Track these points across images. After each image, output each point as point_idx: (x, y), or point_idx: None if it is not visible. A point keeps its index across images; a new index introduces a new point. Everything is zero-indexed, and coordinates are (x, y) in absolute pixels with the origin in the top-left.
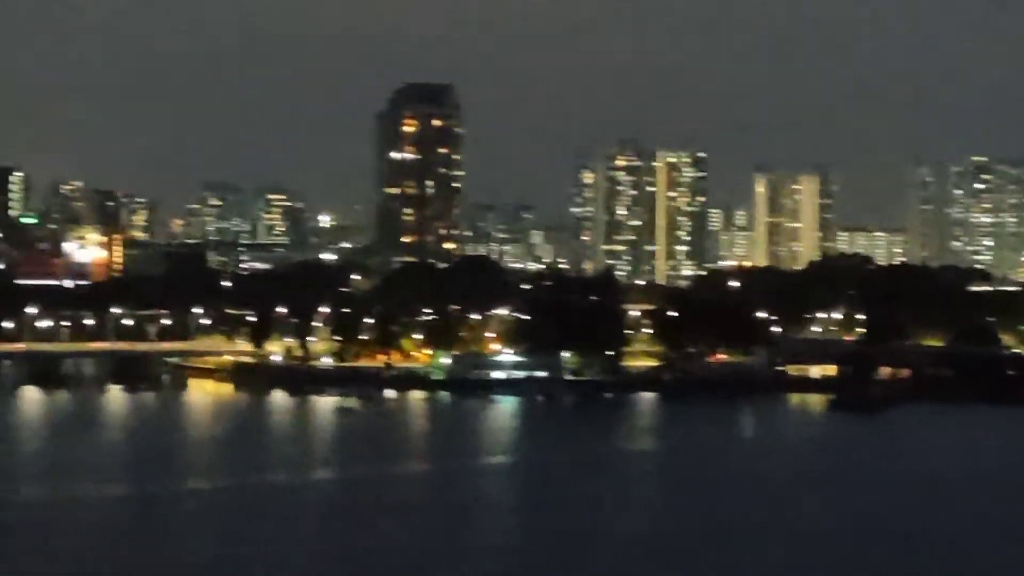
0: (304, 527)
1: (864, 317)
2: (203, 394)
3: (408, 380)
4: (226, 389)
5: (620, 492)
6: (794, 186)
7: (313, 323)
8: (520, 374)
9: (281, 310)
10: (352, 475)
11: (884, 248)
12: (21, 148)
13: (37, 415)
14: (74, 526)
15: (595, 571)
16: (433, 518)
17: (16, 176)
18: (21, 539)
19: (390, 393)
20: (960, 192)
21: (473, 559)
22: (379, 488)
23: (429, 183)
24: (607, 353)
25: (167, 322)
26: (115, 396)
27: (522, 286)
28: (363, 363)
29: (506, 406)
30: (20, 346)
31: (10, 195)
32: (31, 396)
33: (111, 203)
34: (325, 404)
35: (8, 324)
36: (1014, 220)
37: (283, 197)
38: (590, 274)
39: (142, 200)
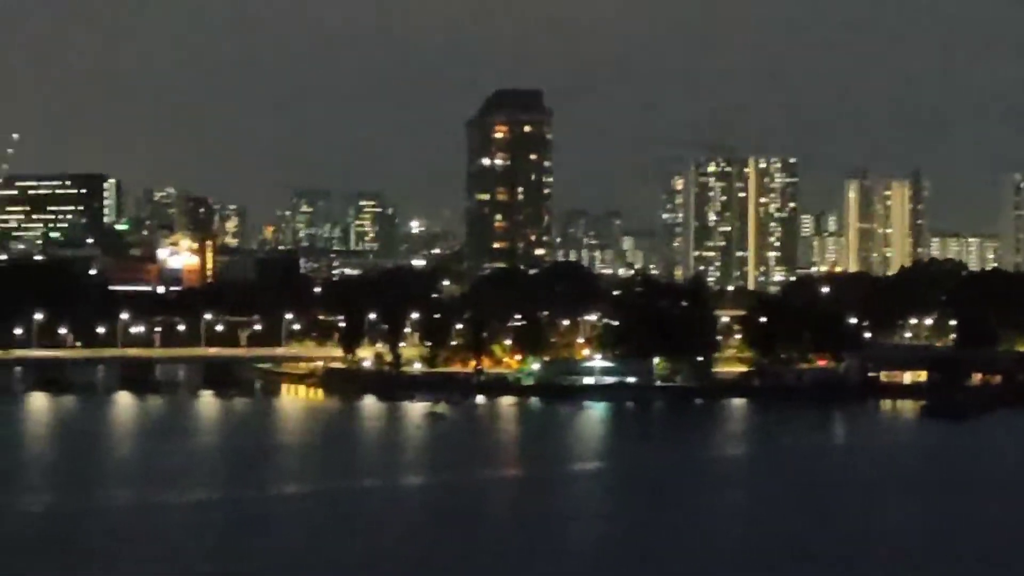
0: (394, 533)
1: (956, 323)
2: (294, 400)
3: (498, 386)
4: (317, 395)
5: (710, 498)
6: (886, 192)
7: (403, 329)
8: (610, 380)
9: (371, 316)
10: (442, 481)
11: (976, 254)
12: (114, 155)
13: (130, 420)
14: (165, 531)
15: None
16: (523, 524)
17: (109, 183)
18: (112, 544)
19: (480, 399)
20: None
21: (562, 566)
22: (469, 494)
23: (519, 189)
24: (697, 359)
25: (258, 328)
26: (207, 401)
27: (612, 292)
28: (453, 369)
29: (596, 412)
30: (114, 351)
31: (104, 202)
32: (124, 401)
33: (203, 209)
34: (415, 410)
35: (102, 330)
36: None
37: (374, 203)
38: (680, 280)
39: (234, 206)
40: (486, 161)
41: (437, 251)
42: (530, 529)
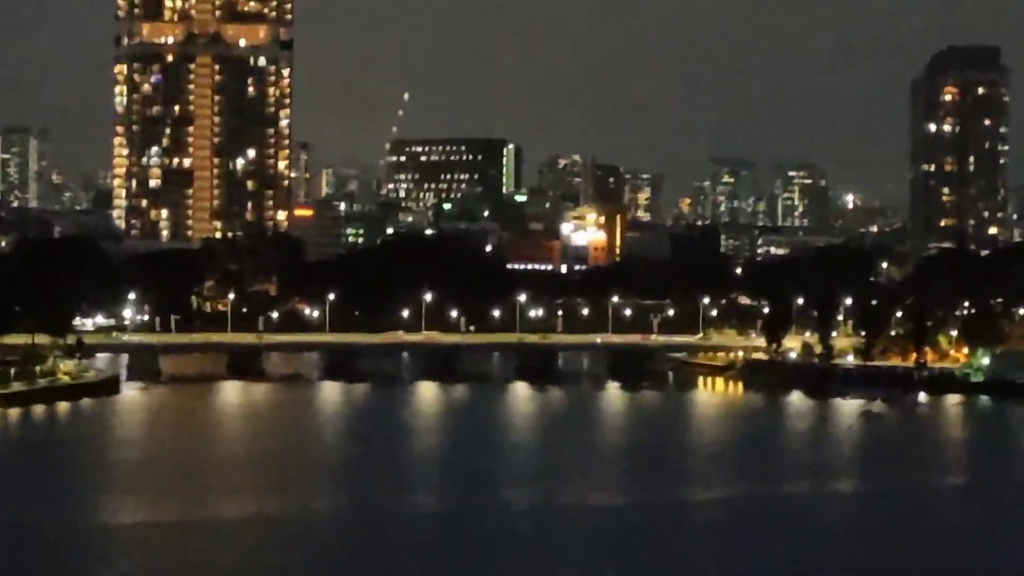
0: (821, 544)
1: None
2: (711, 394)
3: (942, 382)
4: (736, 389)
5: None
6: None
7: (836, 316)
8: None
9: (799, 301)
10: (877, 488)
11: None
12: (514, 118)
13: (530, 413)
14: (568, 535)
15: None
16: (969, 539)
17: (508, 149)
18: (509, 550)
19: (922, 396)
20: None
21: None
22: (909, 503)
23: (971, 159)
24: None
25: (672, 312)
26: (613, 394)
27: None
28: (892, 362)
29: None
30: (511, 337)
31: (502, 170)
32: (522, 392)
33: (612, 179)
34: (847, 407)
35: (497, 313)
36: None
37: (804, 174)
38: None
39: (646, 176)
40: (933, 127)
41: (875, 229)
42: (978, 544)
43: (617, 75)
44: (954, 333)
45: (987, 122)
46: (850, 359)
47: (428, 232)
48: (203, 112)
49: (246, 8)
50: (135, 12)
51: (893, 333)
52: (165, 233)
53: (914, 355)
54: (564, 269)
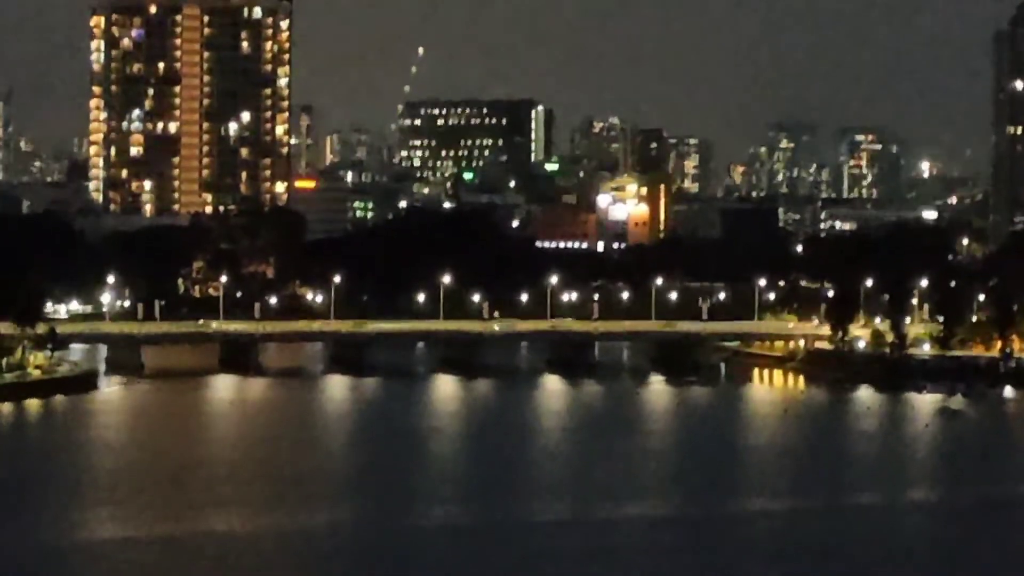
0: (895, 565)
1: None
2: (768, 389)
3: None
4: (797, 382)
5: None
6: None
7: (909, 300)
8: None
9: (868, 283)
10: (960, 497)
11: None
12: (543, 77)
13: (564, 411)
14: (604, 554)
15: None
16: None
17: (537, 112)
18: (536, 571)
19: (1008, 391)
20: None
21: None
22: (992, 517)
23: None
24: None
25: (724, 296)
26: (657, 389)
27: None
28: (973, 352)
29: None
30: (542, 324)
31: (531, 136)
32: (554, 387)
33: (655, 145)
34: (923, 404)
35: (525, 297)
36: None
37: (872, 139)
38: None
39: (694, 141)
40: (1020, 84)
41: (954, 201)
42: None
43: (660, 27)
44: None
45: None
46: (926, 349)
47: (446, 206)
48: (191, 71)
49: None
50: None
51: (975, 319)
52: (148, 208)
53: (999, 344)
54: (601, 247)
